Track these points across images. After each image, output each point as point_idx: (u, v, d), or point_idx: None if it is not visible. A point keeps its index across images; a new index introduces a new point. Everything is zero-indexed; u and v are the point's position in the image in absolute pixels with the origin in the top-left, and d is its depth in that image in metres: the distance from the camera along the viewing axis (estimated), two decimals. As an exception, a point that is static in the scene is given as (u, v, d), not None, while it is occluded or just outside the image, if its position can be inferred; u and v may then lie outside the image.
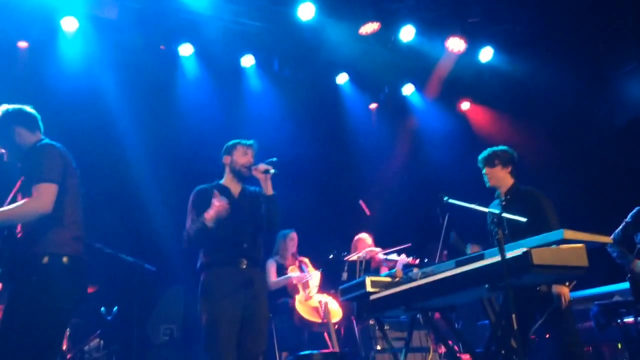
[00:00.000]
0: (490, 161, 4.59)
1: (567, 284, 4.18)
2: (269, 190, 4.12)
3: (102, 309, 5.79)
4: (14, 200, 3.27)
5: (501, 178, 4.57)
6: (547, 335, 4.19)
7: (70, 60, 6.81)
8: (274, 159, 4.13)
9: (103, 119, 6.92)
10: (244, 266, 3.99)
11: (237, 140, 4.32)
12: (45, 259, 3.12)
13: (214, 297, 3.89)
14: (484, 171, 4.65)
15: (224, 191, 4.15)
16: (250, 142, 4.31)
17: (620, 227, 5.38)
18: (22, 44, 6.75)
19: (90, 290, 5.00)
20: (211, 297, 3.91)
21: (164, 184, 7.23)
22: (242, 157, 4.24)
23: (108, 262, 5.17)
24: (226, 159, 4.30)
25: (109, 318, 5.73)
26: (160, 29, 7.05)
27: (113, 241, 5.41)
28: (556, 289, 4.12)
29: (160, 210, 7.15)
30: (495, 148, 4.65)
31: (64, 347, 5.16)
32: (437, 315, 5.15)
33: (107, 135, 6.97)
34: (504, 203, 4.52)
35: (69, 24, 6.64)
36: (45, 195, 3.13)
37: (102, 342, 5.66)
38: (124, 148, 7.12)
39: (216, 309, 3.85)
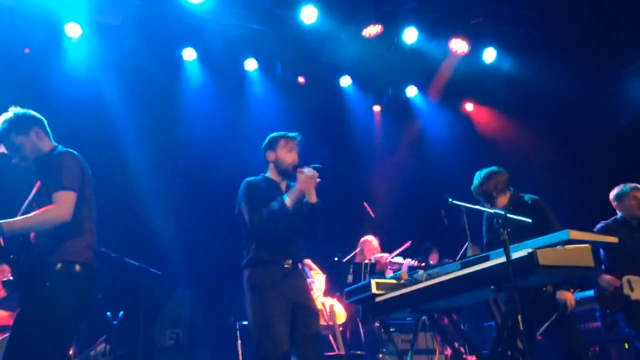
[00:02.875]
0: (490, 198, 4.46)
1: (571, 290, 4.17)
2: (313, 197, 3.79)
3: (108, 313, 5.79)
4: (30, 207, 3.28)
5: (502, 201, 4.47)
6: (540, 337, 4.17)
7: (74, 66, 6.84)
8: (319, 166, 3.82)
9: (107, 124, 6.94)
10: (287, 265, 3.82)
11: (280, 133, 3.99)
12: (59, 266, 3.12)
13: (262, 291, 3.67)
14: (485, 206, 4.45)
15: (273, 185, 3.96)
16: (294, 134, 3.99)
17: None
18: (27, 50, 6.78)
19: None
20: (258, 292, 3.69)
21: (169, 187, 7.24)
22: (287, 154, 3.94)
23: (114, 266, 5.18)
24: (270, 155, 3.98)
25: (114, 322, 5.73)
26: (163, 34, 7.08)
27: (118, 245, 5.42)
28: (561, 295, 4.10)
29: (165, 213, 7.16)
30: (488, 181, 4.44)
31: (70, 352, 5.17)
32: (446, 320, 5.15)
33: (111, 140, 6.98)
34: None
35: (73, 30, 6.67)
36: (65, 204, 3.13)
37: (108, 346, 5.66)
38: (128, 152, 7.12)
39: (265, 306, 3.65)
